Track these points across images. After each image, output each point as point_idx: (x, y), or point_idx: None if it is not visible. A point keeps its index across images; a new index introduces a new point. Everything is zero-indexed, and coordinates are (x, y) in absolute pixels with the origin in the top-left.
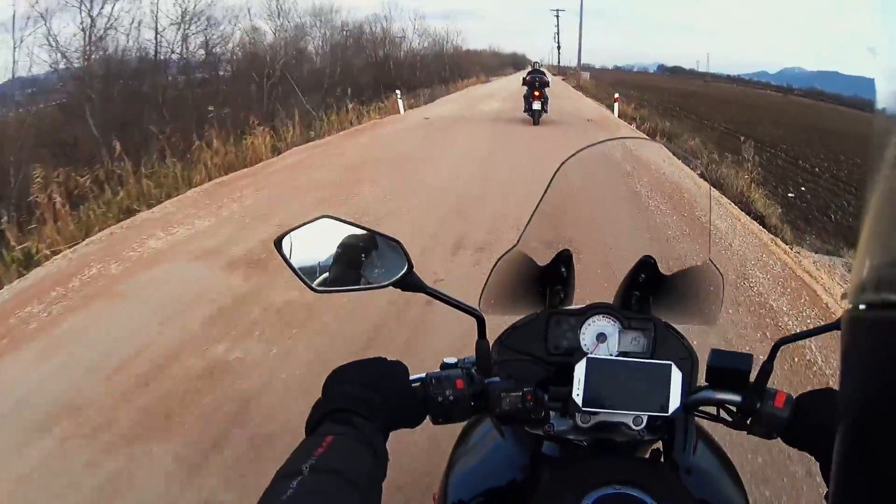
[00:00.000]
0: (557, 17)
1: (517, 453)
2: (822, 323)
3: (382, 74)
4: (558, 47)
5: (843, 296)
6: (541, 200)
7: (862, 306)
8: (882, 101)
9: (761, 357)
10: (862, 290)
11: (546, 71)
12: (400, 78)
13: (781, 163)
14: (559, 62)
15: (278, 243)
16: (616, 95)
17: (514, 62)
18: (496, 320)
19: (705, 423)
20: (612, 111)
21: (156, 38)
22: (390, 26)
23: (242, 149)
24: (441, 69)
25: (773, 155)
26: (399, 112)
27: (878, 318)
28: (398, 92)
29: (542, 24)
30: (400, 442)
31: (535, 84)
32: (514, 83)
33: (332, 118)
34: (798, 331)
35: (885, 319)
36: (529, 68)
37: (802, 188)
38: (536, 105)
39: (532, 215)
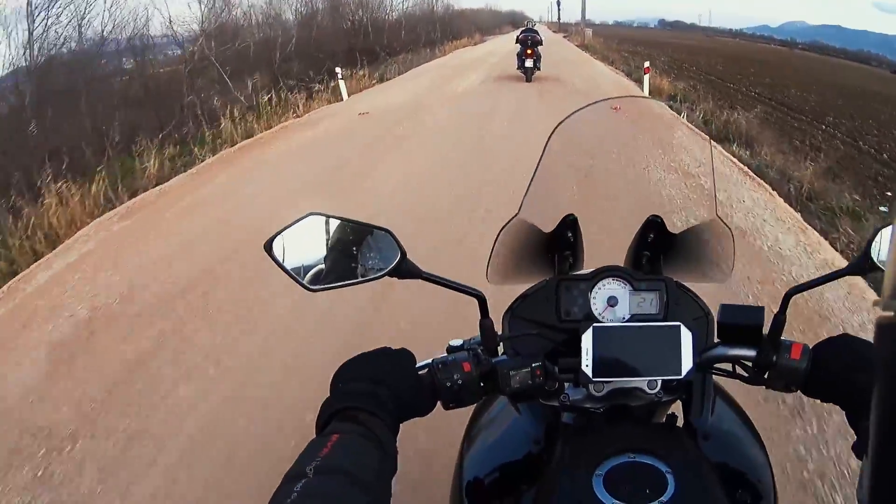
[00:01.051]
0: None
1: (532, 426)
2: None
3: (358, 41)
4: (558, 2)
5: (876, 303)
6: (537, 167)
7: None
8: None
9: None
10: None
11: (539, 30)
12: (380, 43)
13: (841, 145)
14: (559, 18)
15: (268, 246)
16: (647, 65)
17: (513, 19)
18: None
19: (723, 382)
20: (642, 87)
21: (30, 29)
22: None
23: (64, 209)
24: (431, 31)
25: (828, 134)
26: (341, 98)
27: None
28: (339, 71)
29: None
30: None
31: (528, 42)
32: (508, 44)
33: (231, 125)
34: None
35: None
36: (523, 28)
37: (888, 192)
38: (529, 63)
39: (531, 182)
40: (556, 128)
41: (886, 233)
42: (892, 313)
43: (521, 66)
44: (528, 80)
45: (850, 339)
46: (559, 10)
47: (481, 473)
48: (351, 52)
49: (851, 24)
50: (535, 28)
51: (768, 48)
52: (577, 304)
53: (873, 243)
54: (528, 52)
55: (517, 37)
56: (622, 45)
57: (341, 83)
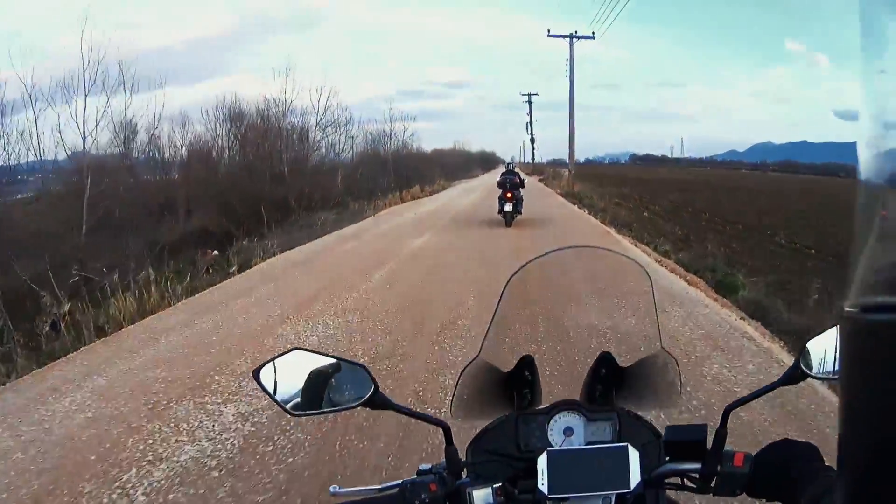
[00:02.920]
0: (530, 101)
1: None
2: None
3: (266, 190)
4: (532, 140)
5: (839, 306)
6: (495, 312)
7: (859, 310)
8: (864, 171)
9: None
10: (861, 293)
11: (519, 171)
12: (299, 194)
13: None
14: (533, 158)
15: (256, 374)
16: None
17: (483, 160)
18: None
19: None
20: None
21: None
22: (285, 112)
23: None
24: (378, 174)
25: None
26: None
27: (879, 321)
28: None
29: (513, 117)
30: None
31: (507, 186)
32: (471, 194)
33: None
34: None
35: (886, 322)
36: (503, 169)
37: None
38: (508, 207)
39: (490, 326)
40: (512, 277)
41: (812, 345)
42: (856, 311)
43: (501, 209)
44: (508, 224)
45: (790, 442)
46: (533, 148)
47: None
48: (253, 213)
49: (816, 137)
50: (515, 170)
51: (745, 174)
52: (535, 436)
53: (803, 355)
54: (508, 195)
55: (498, 181)
56: (609, 188)
57: None
